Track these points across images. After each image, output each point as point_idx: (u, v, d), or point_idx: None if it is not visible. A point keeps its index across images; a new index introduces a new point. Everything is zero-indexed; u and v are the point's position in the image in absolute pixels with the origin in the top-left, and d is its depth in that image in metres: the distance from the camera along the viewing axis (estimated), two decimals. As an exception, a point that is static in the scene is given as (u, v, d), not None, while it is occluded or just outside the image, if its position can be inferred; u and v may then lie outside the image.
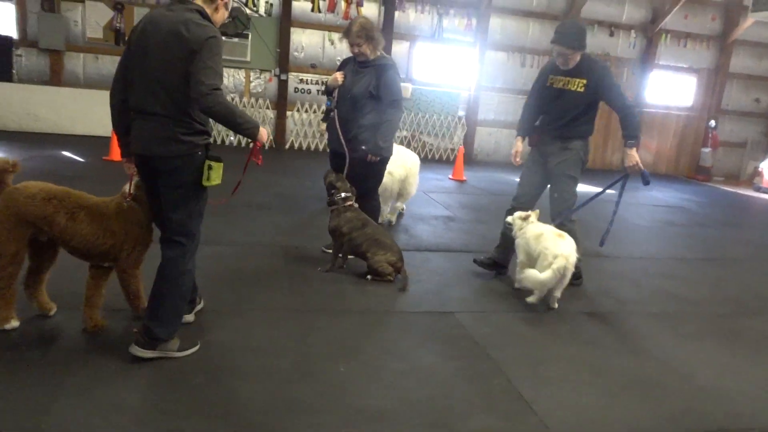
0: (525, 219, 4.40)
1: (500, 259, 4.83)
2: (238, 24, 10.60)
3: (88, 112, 10.01)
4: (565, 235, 4.22)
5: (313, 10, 11.14)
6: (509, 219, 4.54)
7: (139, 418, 2.47)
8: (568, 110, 4.41)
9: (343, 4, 11.22)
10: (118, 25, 10.48)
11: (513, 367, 3.27)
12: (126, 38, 3.01)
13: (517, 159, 4.76)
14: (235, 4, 10.56)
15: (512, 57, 12.20)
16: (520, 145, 4.77)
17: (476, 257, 4.90)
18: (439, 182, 9.37)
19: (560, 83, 4.45)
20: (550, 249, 4.08)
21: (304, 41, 11.22)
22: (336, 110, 4.74)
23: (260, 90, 11.27)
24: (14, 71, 10.19)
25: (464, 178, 9.74)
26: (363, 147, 4.62)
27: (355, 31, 4.53)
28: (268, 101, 11.25)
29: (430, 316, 3.88)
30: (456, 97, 12.07)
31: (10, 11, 10.14)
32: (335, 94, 4.73)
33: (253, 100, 11.19)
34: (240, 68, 11.10)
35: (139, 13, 10.53)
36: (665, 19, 12.26)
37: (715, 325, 4.22)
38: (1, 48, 10.11)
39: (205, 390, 2.73)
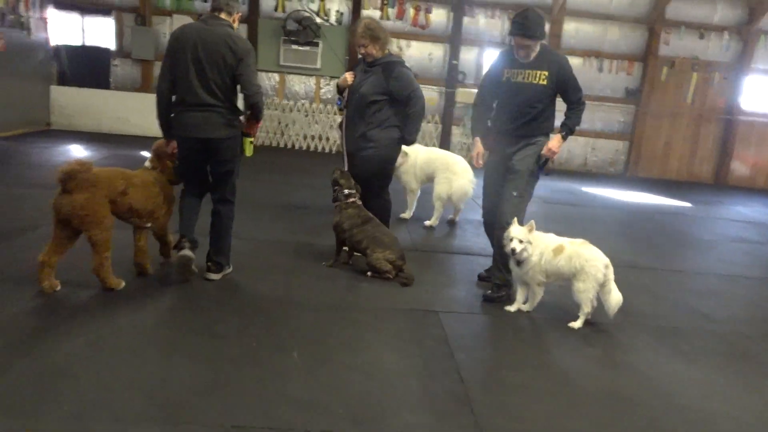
0: (531, 231, 3.85)
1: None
2: (309, 33, 11.03)
3: (143, 115, 10.85)
4: (580, 240, 4.00)
5: (381, 17, 11.35)
6: (513, 238, 3.80)
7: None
8: (532, 105, 4.10)
9: (411, 11, 11.36)
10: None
11: (473, 370, 3.20)
12: (170, 45, 3.85)
13: (480, 161, 4.39)
14: (307, 14, 11.02)
15: (588, 62, 11.71)
16: (480, 146, 4.37)
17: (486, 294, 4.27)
18: (495, 189, 9.18)
19: (520, 77, 4.09)
20: (596, 260, 3.77)
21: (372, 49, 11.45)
22: (345, 110, 4.85)
23: (330, 96, 11.64)
24: (111, 79, 11.29)
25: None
26: (371, 145, 4.70)
27: (360, 32, 4.63)
28: (336, 107, 11.60)
29: (412, 314, 3.86)
30: (526, 104, 11.76)
31: (110, 26, 11.25)
32: (345, 93, 4.85)
33: (321, 105, 11.58)
34: (311, 75, 11.55)
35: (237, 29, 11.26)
36: (763, 18, 11.24)
37: (724, 346, 3.84)
38: (101, 59, 11.25)
39: (144, 366, 2.93)
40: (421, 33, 11.49)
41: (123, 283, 3.77)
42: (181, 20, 11.17)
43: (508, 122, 4.20)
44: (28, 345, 3.00)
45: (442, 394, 2.92)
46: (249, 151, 4.13)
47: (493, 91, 4.31)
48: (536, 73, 4.05)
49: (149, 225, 4.00)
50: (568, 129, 4.13)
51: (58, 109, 11.06)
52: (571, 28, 11.57)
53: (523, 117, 4.13)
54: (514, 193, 4.12)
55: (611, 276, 3.83)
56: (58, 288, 3.62)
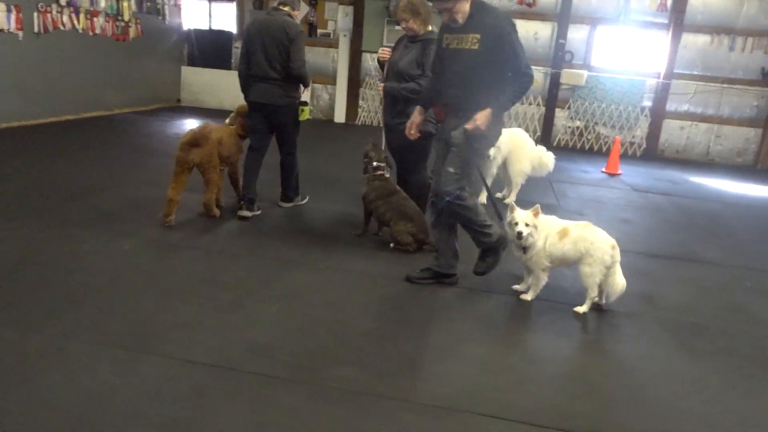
0: (536, 215, 3.67)
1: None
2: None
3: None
4: (584, 221, 3.82)
5: (487, -4, 11.13)
6: (518, 222, 3.61)
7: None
8: (466, 74, 3.63)
9: (518, -11, 11.01)
10: (311, 19, 11.89)
11: (440, 339, 3.23)
12: (246, 32, 5.12)
13: (413, 131, 4.04)
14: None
15: (717, 39, 10.57)
16: (417, 116, 4.03)
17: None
18: (585, 173, 8.75)
19: (454, 42, 3.66)
20: (601, 242, 3.60)
21: (476, 28, 11.30)
22: (385, 84, 4.97)
23: (430, 76, 11.70)
24: (232, 60, 12.32)
25: (619, 171, 8.91)
26: (405, 119, 4.77)
27: (402, 6, 4.68)
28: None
29: (411, 283, 3.93)
30: (640, 86, 10.94)
31: (233, 11, 12.25)
32: (386, 69, 4.96)
33: (421, 86, 11.69)
34: (413, 56, 11.67)
35: (330, 8, 11.82)
36: None
37: (749, 349, 3.45)
38: (224, 41, 12.31)
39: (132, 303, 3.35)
40: (528, 11, 11.10)
41: (219, 213, 4.95)
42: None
43: (445, 93, 3.80)
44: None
45: (395, 356, 3.01)
46: (304, 116, 5.18)
47: (438, 58, 3.91)
48: (468, 37, 3.57)
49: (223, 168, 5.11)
50: (499, 104, 3.56)
51: (187, 87, 12.34)
52: (698, 2, 10.50)
53: (459, 87, 3.68)
54: (450, 170, 3.71)
55: (618, 258, 3.64)
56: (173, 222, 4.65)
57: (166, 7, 11.50)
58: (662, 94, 10.84)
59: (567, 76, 11.01)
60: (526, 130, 11.32)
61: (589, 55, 11.08)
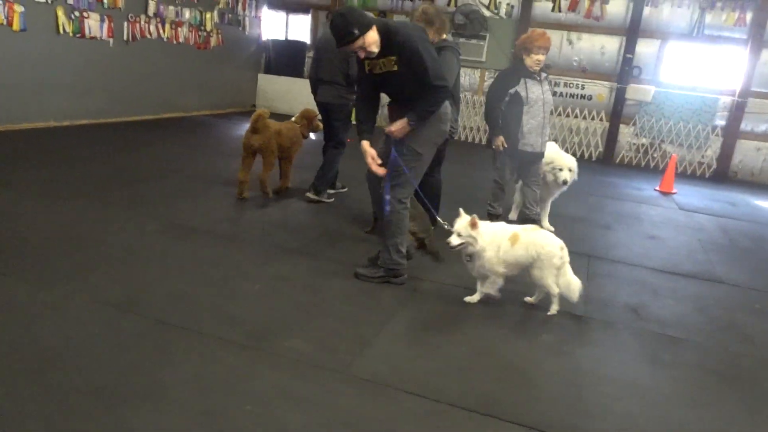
0: (473, 226, 3.65)
1: None
2: (476, 26, 11.32)
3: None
4: (532, 225, 3.96)
5: (553, 9, 11.10)
6: (455, 235, 3.67)
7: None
8: (398, 93, 3.86)
9: (586, 2, 10.87)
10: (380, 30, 12.32)
11: (399, 326, 3.43)
12: (317, 42, 6.03)
13: (373, 166, 3.85)
14: (474, 8, 11.30)
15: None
16: (367, 147, 3.84)
17: None
18: (636, 190, 8.52)
19: (377, 68, 3.72)
20: (551, 245, 3.68)
21: (541, 41, 11.24)
22: None
23: (493, 89, 11.77)
24: (304, 69, 13.00)
25: (674, 190, 8.58)
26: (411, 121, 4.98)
27: (417, 16, 4.94)
28: (498, 100, 11.71)
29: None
30: (712, 104, 10.44)
31: (308, 22, 12.96)
32: None
33: (479, 96, 11.78)
34: (476, 68, 11.81)
35: (397, 19, 12.16)
36: None
37: (715, 363, 3.37)
38: (298, 51, 13.03)
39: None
40: (595, 25, 10.93)
41: (272, 193, 5.87)
42: (364, 16, 12.39)
43: (394, 110, 3.95)
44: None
45: (351, 336, 3.25)
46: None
47: (366, 85, 3.97)
48: (387, 60, 3.66)
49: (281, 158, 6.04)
50: (414, 115, 3.68)
51: (262, 93, 13.16)
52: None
53: (400, 101, 3.85)
54: (393, 173, 3.90)
55: (567, 258, 3.73)
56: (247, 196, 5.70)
57: (246, 18, 12.38)
58: (737, 112, 10.28)
59: (633, 91, 10.71)
60: (588, 145, 11.15)
61: (657, 71, 10.72)
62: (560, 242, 3.73)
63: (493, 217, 5.39)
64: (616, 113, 10.96)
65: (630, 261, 5.14)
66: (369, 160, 3.83)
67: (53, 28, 8.28)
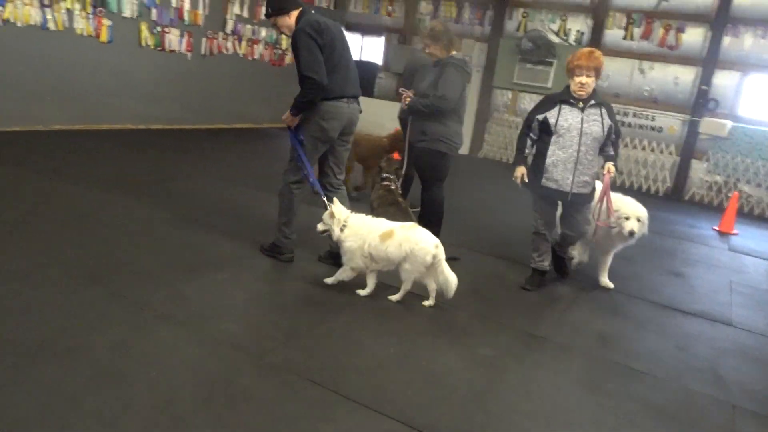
0: (330, 216, 3.95)
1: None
2: (543, 52, 11.17)
3: (393, 121, 12.36)
4: (411, 223, 4.06)
5: (625, 37, 10.73)
6: (321, 222, 4.01)
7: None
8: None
9: (660, 31, 10.42)
10: (449, 54, 12.48)
11: (336, 323, 3.51)
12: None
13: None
14: (542, 34, 11.18)
15: None
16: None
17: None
18: (688, 228, 7.98)
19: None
20: (425, 242, 3.77)
21: (610, 69, 10.89)
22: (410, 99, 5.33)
23: (558, 116, 11.52)
24: (375, 89, 13.39)
25: (734, 231, 7.95)
26: (424, 137, 5.06)
27: (424, 33, 5.08)
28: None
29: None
30: (798, 142, 9.56)
31: (381, 44, 13.38)
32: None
33: (546, 124, 11.56)
34: (541, 93, 11.60)
35: (467, 44, 12.29)
36: None
37: (657, 396, 3.14)
38: (370, 72, 13.44)
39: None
40: (669, 54, 10.42)
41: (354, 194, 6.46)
42: (435, 40, 12.61)
43: None
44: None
45: (285, 327, 3.40)
46: None
47: None
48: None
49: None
50: (293, 105, 4.14)
51: (334, 110, 13.67)
52: None
53: None
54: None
55: (441, 256, 3.82)
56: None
57: (323, 39, 12.99)
58: (826, 153, 9.36)
59: (707, 125, 10.06)
60: (655, 179, 10.60)
61: (735, 104, 10.01)
62: (436, 241, 3.83)
63: (538, 274, 4.69)
64: (688, 147, 10.33)
65: (633, 293, 4.88)
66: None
67: (136, 41, 9.21)
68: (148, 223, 4.89)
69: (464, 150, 12.32)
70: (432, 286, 3.92)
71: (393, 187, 5.16)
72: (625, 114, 10.78)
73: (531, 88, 11.66)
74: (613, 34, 10.85)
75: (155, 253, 4.25)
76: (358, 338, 3.40)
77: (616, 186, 9.93)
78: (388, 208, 5.00)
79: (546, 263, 4.70)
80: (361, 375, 2.99)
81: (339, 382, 2.88)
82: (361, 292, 3.99)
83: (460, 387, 3.01)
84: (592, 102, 4.33)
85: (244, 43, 11.09)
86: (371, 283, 4.00)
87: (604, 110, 4.36)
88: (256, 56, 11.46)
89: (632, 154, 10.78)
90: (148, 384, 2.64)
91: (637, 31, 10.63)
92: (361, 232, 3.88)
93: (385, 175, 5.19)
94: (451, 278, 3.83)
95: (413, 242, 3.78)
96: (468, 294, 4.22)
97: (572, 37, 11.23)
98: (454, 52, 5.09)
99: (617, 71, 10.85)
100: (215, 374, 2.80)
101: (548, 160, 4.44)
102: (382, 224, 3.94)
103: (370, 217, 4.07)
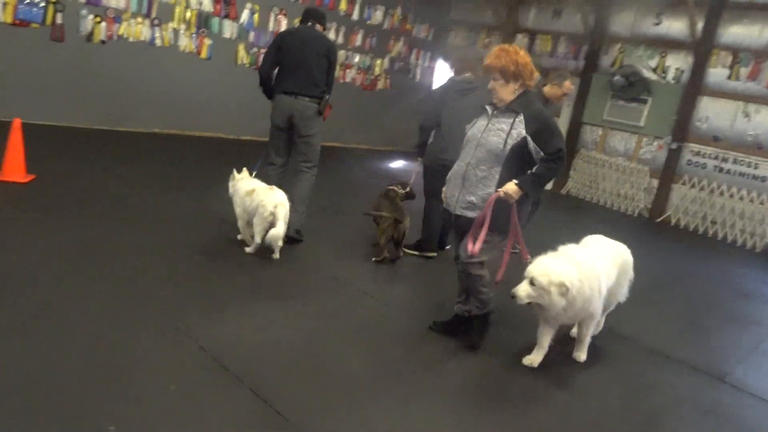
0: (232, 178, 4.87)
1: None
2: (636, 89, 10.62)
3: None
4: (275, 187, 4.67)
5: (730, 77, 9.90)
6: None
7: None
8: None
9: (770, 72, 9.49)
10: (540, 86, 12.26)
11: (230, 294, 3.70)
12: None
13: None
14: (636, 70, 10.64)
15: None
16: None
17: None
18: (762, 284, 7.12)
19: None
20: (267, 201, 4.46)
21: (711, 111, 10.08)
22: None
23: (649, 157, 10.82)
24: (465, 119, 13.44)
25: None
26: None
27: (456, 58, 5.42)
28: (650, 168, 10.71)
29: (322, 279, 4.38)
30: None
31: (475, 75, 13.47)
32: None
33: (634, 163, 10.89)
34: (633, 132, 11.00)
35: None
36: None
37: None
38: (462, 101, 13.55)
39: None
40: (781, 98, 9.44)
41: None
42: (528, 73, 12.46)
43: None
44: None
45: (194, 296, 3.65)
46: None
47: None
48: None
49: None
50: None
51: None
52: None
53: None
54: None
55: (280, 216, 4.46)
56: None
57: (419, 68, 13.38)
58: None
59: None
60: (752, 233, 9.58)
61: None
62: (276, 202, 4.46)
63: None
64: (794, 200, 9.22)
65: (630, 336, 4.53)
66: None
67: (233, 59, 10.17)
68: (156, 214, 5.41)
69: (547, 186, 11.95)
70: (258, 239, 4.59)
71: (394, 194, 5.41)
72: (724, 160, 9.90)
73: (622, 126, 11.09)
74: (717, 74, 10.05)
75: (146, 243, 4.71)
76: (240, 306, 3.55)
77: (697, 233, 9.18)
78: (381, 198, 5.32)
79: (465, 307, 3.80)
80: (210, 329, 3.14)
81: (235, 361, 3.05)
82: (247, 249, 4.70)
83: (315, 366, 3.05)
84: (506, 109, 3.55)
85: (336, 67, 11.73)
86: (258, 239, 4.61)
87: (519, 119, 3.46)
88: (348, 80, 12.07)
89: (728, 203, 9.81)
90: (70, 334, 2.99)
91: (743, 71, 9.77)
92: (239, 186, 4.72)
93: (390, 185, 5.44)
94: (276, 231, 4.44)
95: (259, 200, 4.50)
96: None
97: (671, 75, 10.56)
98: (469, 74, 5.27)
99: (719, 113, 10.01)
100: (130, 341, 3.09)
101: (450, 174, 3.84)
102: (254, 185, 4.68)
103: (257, 181, 4.79)
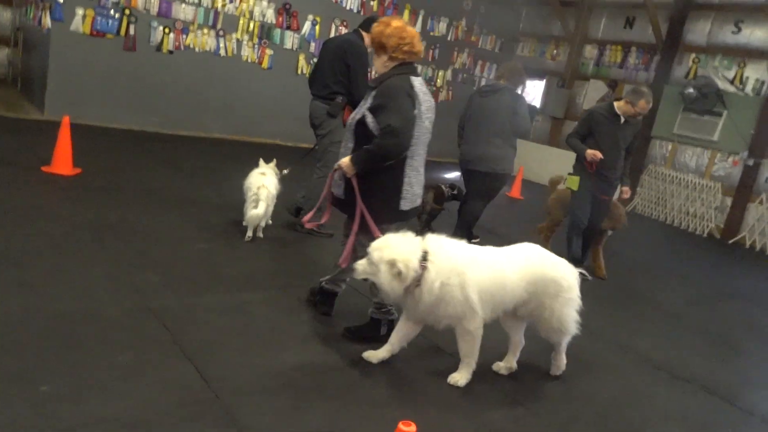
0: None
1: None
2: (710, 101, 9.93)
3: (545, 165, 11.74)
4: (267, 172, 5.03)
5: (819, 89, 9.03)
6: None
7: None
8: None
9: None
10: (607, 99, 11.75)
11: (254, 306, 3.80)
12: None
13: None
14: (710, 80, 9.95)
15: None
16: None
17: None
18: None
19: None
20: (254, 183, 4.80)
21: (794, 126, 9.24)
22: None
23: (722, 173, 10.05)
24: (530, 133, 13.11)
25: None
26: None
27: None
28: (723, 186, 9.93)
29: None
30: None
31: (541, 87, 13.13)
32: None
33: (706, 180, 10.14)
34: (705, 147, 10.27)
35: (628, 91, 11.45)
36: None
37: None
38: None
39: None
40: None
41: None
42: (595, 86, 12.00)
43: None
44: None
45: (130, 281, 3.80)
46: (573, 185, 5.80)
47: None
48: None
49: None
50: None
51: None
52: None
53: None
54: None
55: (262, 197, 4.74)
56: None
57: (483, 80, 13.24)
58: None
59: None
60: None
61: None
62: (262, 183, 4.81)
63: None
64: None
65: (640, 350, 4.23)
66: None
67: (294, 69, 10.57)
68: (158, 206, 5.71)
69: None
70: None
71: (441, 188, 6.05)
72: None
73: (694, 141, 10.39)
74: (804, 84, 9.22)
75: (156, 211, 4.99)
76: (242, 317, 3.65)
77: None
78: (427, 190, 5.76)
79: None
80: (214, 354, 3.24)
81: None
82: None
83: (233, 346, 3.07)
84: (372, 81, 3.46)
85: (397, 77, 11.87)
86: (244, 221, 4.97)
87: (372, 93, 3.32)
88: (408, 91, 12.14)
89: (811, 226, 8.91)
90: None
91: (833, 82, 8.88)
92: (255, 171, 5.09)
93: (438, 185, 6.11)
94: (254, 212, 4.71)
95: (249, 181, 4.91)
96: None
97: (750, 86, 9.79)
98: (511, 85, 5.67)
99: (803, 128, 9.15)
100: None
101: None
102: (262, 169, 5.10)
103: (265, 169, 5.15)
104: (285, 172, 5.51)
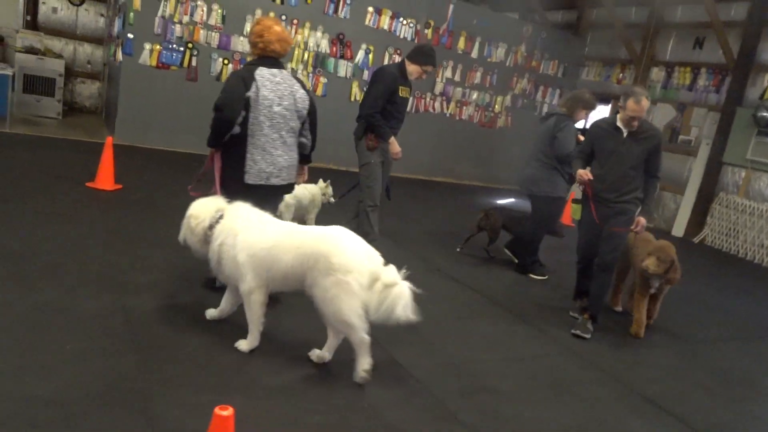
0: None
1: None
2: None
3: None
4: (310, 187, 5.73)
5: None
6: None
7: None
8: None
9: None
10: (676, 124, 11.13)
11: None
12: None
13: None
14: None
15: None
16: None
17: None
18: None
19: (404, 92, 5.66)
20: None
21: None
22: None
23: (803, 202, 9.15)
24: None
25: None
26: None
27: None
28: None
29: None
30: None
31: (606, 111, 12.65)
32: None
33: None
34: (780, 174, 9.42)
35: (698, 113, 10.84)
36: None
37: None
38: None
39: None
40: None
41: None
42: (663, 109, 11.40)
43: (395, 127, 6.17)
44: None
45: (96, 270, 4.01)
46: (577, 214, 5.67)
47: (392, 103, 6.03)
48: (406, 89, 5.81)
49: None
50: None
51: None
52: None
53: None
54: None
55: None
56: None
57: (545, 105, 12.96)
58: None
59: None
60: None
61: None
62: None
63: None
64: None
65: (628, 380, 3.94)
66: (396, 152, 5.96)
67: (348, 96, 10.92)
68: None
69: (678, 232, 10.74)
70: None
71: (494, 213, 6.33)
72: None
73: (761, 166, 9.56)
74: None
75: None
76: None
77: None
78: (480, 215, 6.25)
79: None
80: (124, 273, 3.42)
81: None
82: None
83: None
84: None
85: (452, 104, 11.93)
86: None
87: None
88: (464, 117, 12.15)
89: None
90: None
91: None
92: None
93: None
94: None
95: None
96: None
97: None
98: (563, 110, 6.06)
99: None
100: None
101: None
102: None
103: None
104: (332, 200, 6.21)
